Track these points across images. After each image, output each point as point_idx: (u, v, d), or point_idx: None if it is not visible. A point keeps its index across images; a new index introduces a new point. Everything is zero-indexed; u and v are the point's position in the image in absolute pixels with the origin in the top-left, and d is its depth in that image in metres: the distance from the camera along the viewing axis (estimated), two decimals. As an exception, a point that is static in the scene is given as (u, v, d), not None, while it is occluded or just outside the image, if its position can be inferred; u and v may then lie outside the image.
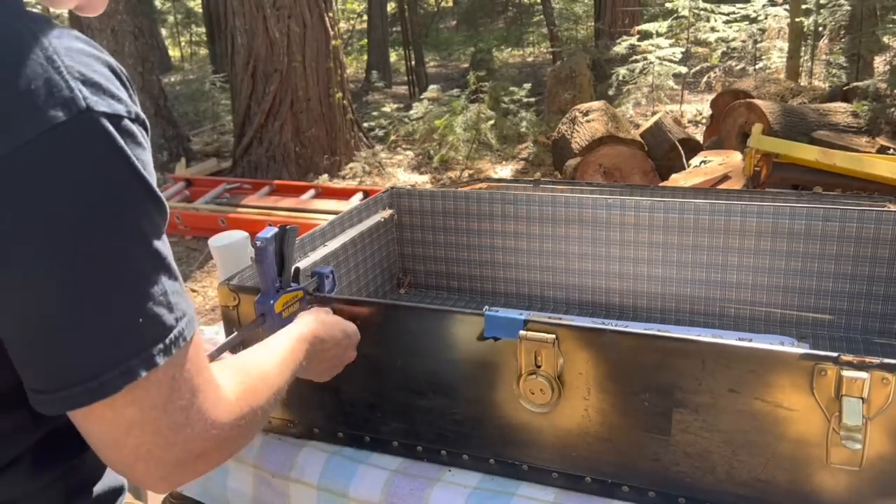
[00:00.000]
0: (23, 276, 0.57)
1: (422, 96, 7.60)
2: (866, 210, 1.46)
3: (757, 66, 7.99)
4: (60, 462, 0.71)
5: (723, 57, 8.08)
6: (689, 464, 0.98)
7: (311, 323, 0.99)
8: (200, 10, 13.78)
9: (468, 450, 1.11)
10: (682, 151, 5.03)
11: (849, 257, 1.49)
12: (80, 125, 0.57)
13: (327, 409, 1.20)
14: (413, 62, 10.49)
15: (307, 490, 1.17)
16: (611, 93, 7.16)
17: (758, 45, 8.04)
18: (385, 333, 1.11)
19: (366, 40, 12.96)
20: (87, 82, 0.58)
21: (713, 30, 7.33)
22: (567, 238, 1.69)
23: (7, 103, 0.56)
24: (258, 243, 1.05)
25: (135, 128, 0.61)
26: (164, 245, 0.63)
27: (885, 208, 1.50)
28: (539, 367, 1.01)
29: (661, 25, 7.23)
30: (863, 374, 0.86)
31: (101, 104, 0.58)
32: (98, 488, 0.76)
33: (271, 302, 1.06)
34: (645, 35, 7.19)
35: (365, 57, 12.80)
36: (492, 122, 6.54)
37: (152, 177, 0.63)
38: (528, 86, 7.38)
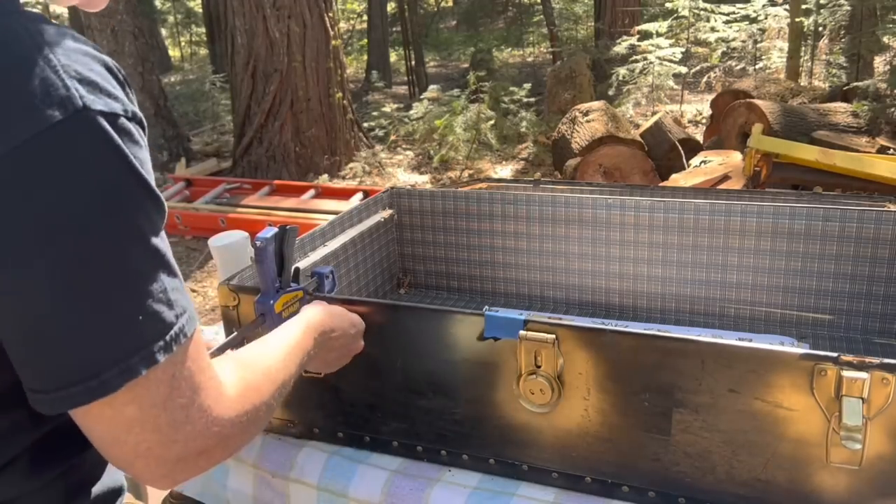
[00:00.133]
0: (21, 275, 0.57)
1: (422, 96, 7.60)
2: (866, 210, 1.46)
3: (757, 66, 7.99)
4: (59, 462, 0.71)
5: (723, 57, 8.08)
6: (689, 464, 0.98)
7: (318, 313, 0.99)
8: (200, 10, 13.78)
9: (468, 450, 1.11)
10: (682, 151, 5.03)
11: (849, 257, 1.49)
12: (77, 124, 0.57)
13: (327, 409, 1.19)
14: (413, 62, 10.49)
15: (307, 490, 1.17)
16: (611, 93, 7.16)
17: (758, 45, 8.04)
18: (385, 333, 1.11)
19: (366, 40, 12.96)
20: (84, 81, 0.58)
21: (713, 30, 7.33)
22: (567, 238, 1.69)
23: (3, 102, 0.56)
24: (258, 243, 1.05)
25: (132, 126, 0.61)
26: (162, 242, 0.63)
27: (885, 208, 1.50)
28: (539, 367, 1.01)
29: (661, 25, 7.23)
30: (863, 374, 0.86)
31: (97, 103, 0.58)
32: (97, 488, 0.76)
33: (271, 302, 1.06)
34: (645, 35, 7.19)
35: (365, 57, 12.80)
36: (492, 122, 6.54)
37: (150, 175, 0.63)
38: (528, 86, 7.38)
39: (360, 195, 5.19)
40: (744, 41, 7.91)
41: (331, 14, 6.62)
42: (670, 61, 6.78)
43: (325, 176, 6.32)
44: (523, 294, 1.78)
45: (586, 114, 5.26)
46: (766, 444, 0.93)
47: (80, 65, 0.59)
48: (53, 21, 0.64)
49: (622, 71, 7.06)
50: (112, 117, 0.59)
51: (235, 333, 1.04)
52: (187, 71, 13.52)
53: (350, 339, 1.06)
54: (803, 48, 7.24)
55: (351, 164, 6.51)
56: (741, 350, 0.92)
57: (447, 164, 6.52)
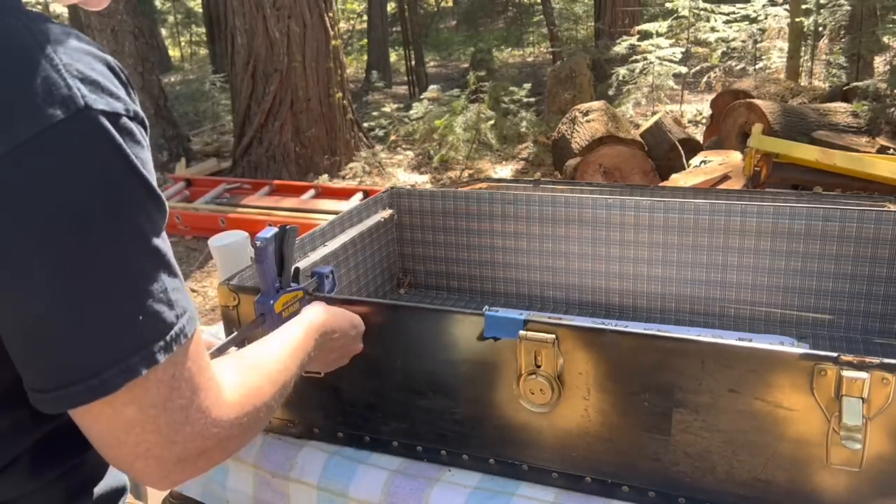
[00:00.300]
0: (22, 274, 0.57)
1: (422, 96, 7.60)
2: (866, 210, 1.46)
3: (757, 66, 7.99)
4: (60, 462, 0.71)
5: (723, 57, 8.08)
6: (689, 464, 0.98)
7: (320, 314, 0.99)
8: (200, 10, 13.78)
9: (468, 450, 1.11)
10: (682, 151, 5.03)
11: (849, 257, 1.49)
12: (79, 123, 0.57)
13: (327, 409, 1.20)
14: (413, 62, 10.49)
15: (307, 490, 1.17)
16: (611, 93, 7.16)
17: (758, 45, 8.04)
18: (385, 333, 1.11)
19: (366, 40, 12.96)
20: (86, 80, 0.58)
21: (713, 30, 7.34)
22: (567, 238, 1.69)
23: (5, 102, 0.56)
24: (258, 243, 1.05)
25: (133, 126, 0.61)
26: (163, 242, 0.63)
27: (885, 208, 1.50)
28: (539, 367, 1.01)
29: (661, 25, 7.23)
30: (863, 374, 0.86)
31: (99, 102, 0.58)
32: (99, 489, 0.76)
33: (271, 302, 1.06)
34: (645, 35, 7.19)
35: (365, 57, 12.80)
36: (492, 122, 6.54)
37: (151, 175, 0.63)
38: (528, 86, 7.38)
39: (360, 195, 5.19)
40: (744, 41, 7.91)
41: (331, 14, 6.62)
42: (670, 61, 6.79)
43: (325, 176, 6.32)
44: (523, 294, 1.78)
45: (586, 114, 5.26)
46: (766, 444, 0.93)
47: (82, 64, 0.59)
48: (55, 20, 0.64)
49: (622, 71, 7.06)
50: (114, 117, 0.59)
51: (235, 333, 1.04)
52: (187, 71, 13.52)
53: (350, 340, 1.06)
54: (803, 48, 7.24)
55: (351, 164, 6.51)
56: (741, 350, 0.92)
57: (447, 164, 6.52)
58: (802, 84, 6.45)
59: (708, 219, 1.55)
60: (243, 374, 0.73)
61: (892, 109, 4.82)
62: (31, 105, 0.56)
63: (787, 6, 7.22)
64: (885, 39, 7.02)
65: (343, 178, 6.40)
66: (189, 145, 7.54)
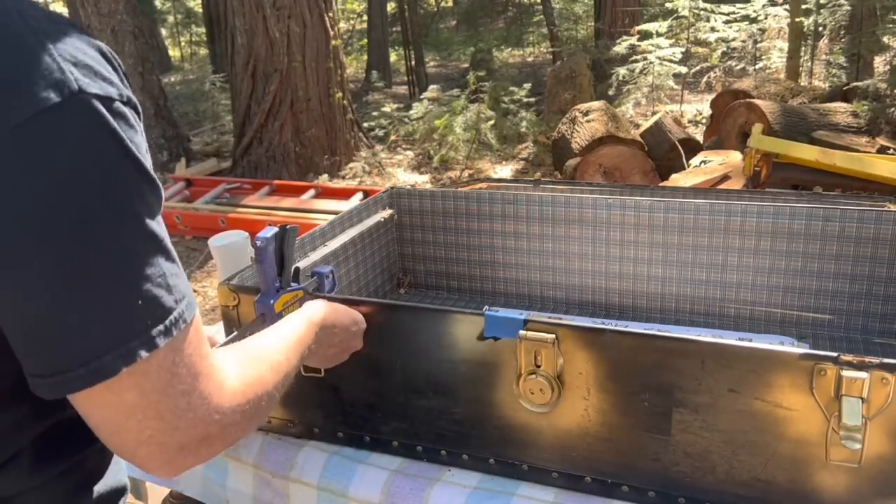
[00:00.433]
0: (18, 260, 0.57)
1: (422, 96, 7.60)
2: (866, 210, 1.46)
3: (757, 66, 7.99)
4: (61, 459, 0.71)
5: (723, 57, 8.08)
6: (689, 464, 0.98)
7: (321, 308, 0.99)
8: (200, 10, 13.78)
9: (468, 450, 1.11)
10: (682, 151, 5.03)
11: (849, 257, 1.49)
12: (73, 107, 0.57)
13: (327, 409, 1.20)
14: (413, 62, 10.49)
15: (307, 490, 1.17)
16: (611, 93, 7.16)
17: (758, 45, 8.04)
18: (385, 333, 1.11)
19: (366, 40, 12.96)
20: (79, 65, 0.58)
21: (713, 30, 7.33)
22: (567, 238, 1.69)
23: None
24: (258, 243, 1.05)
25: (127, 110, 0.61)
26: (159, 227, 0.63)
27: (885, 208, 1.50)
28: (539, 366, 1.01)
29: (661, 25, 7.23)
30: (862, 374, 0.86)
31: (93, 86, 0.58)
32: (100, 487, 0.76)
33: (271, 302, 1.06)
34: (645, 35, 7.19)
35: (365, 57, 12.80)
36: (492, 122, 6.54)
37: (146, 159, 0.62)
38: (528, 86, 7.38)
39: (360, 195, 5.18)
40: (744, 41, 7.91)
41: (331, 14, 6.62)
42: (670, 61, 6.78)
43: (325, 176, 6.32)
44: (523, 294, 1.78)
45: (586, 114, 5.26)
46: (766, 444, 0.93)
47: (75, 49, 0.59)
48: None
49: (622, 71, 7.06)
50: (107, 101, 0.59)
51: (235, 333, 1.04)
52: (187, 71, 13.52)
53: (350, 336, 1.06)
54: (803, 48, 7.24)
55: (351, 164, 6.51)
56: (741, 350, 0.92)
57: (447, 164, 6.52)
58: (802, 84, 6.45)
59: (708, 219, 1.55)
60: (245, 363, 0.73)
61: (892, 109, 4.82)
62: (23, 89, 0.56)
63: (787, 6, 7.22)
64: (885, 39, 7.02)
65: (343, 178, 6.40)
66: (189, 145, 7.54)
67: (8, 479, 0.67)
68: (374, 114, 7.77)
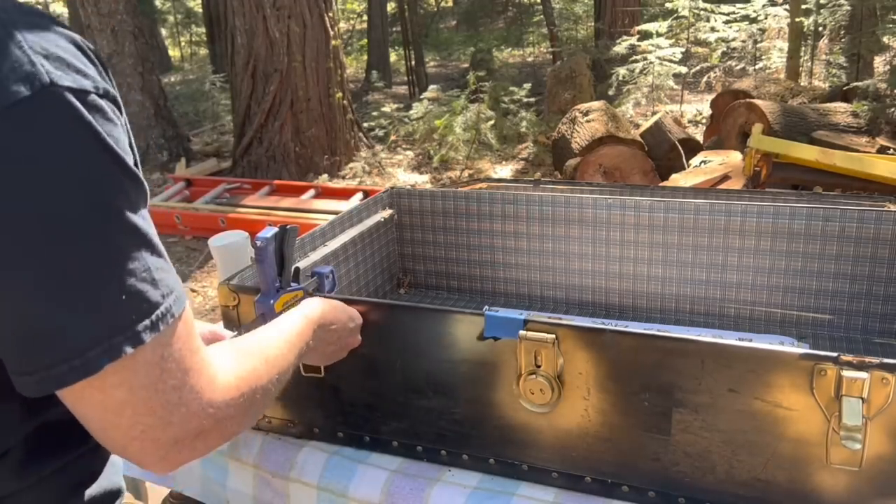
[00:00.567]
0: None
1: (422, 96, 7.60)
2: (866, 210, 1.46)
3: (757, 66, 7.99)
4: (52, 460, 0.70)
5: (723, 57, 8.08)
6: (689, 464, 0.98)
7: (318, 306, 0.99)
8: (200, 10, 13.78)
9: (468, 450, 1.11)
10: (682, 151, 5.03)
11: (849, 257, 1.49)
12: (44, 100, 0.56)
13: (327, 409, 1.20)
14: (413, 62, 10.49)
15: (307, 490, 1.17)
16: (611, 93, 7.16)
17: (758, 45, 8.04)
18: (385, 333, 1.11)
19: (366, 40, 12.96)
20: (51, 57, 0.57)
21: (713, 30, 7.33)
22: (567, 238, 1.69)
23: None
24: (258, 243, 1.05)
25: (104, 103, 0.60)
26: (143, 221, 0.61)
27: (885, 208, 1.50)
28: (539, 367, 1.01)
29: (661, 25, 7.23)
30: (863, 374, 0.86)
31: (65, 79, 0.57)
32: (94, 490, 0.75)
33: (271, 302, 1.06)
34: (645, 35, 7.19)
35: (365, 57, 12.80)
36: (492, 122, 6.54)
37: (127, 153, 0.61)
38: (528, 86, 7.38)
39: (360, 195, 5.18)
40: (744, 41, 7.91)
41: (331, 14, 6.62)
42: (670, 61, 6.78)
43: (325, 176, 6.32)
44: (523, 294, 1.78)
45: (586, 114, 5.26)
46: (766, 444, 0.93)
47: (46, 41, 0.58)
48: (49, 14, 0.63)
49: (622, 71, 7.06)
50: (81, 94, 0.58)
51: (235, 333, 1.04)
52: (187, 71, 13.52)
53: (348, 333, 1.05)
54: (803, 48, 7.24)
55: (351, 164, 6.51)
56: (741, 350, 0.92)
57: (447, 164, 6.52)
58: (802, 84, 6.45)
59: (708, 219, 1.55)
60: (238, 358, 0.72)
61: (892, 109, 4.82)
62: None
63: (787, 6, 7.22)
64: (885, 39, 7.02)
65: (343, 178, 6.40)
66: (189, 145, 7.54)
67: None
68: (374, 114, 7.77)
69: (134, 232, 0.60)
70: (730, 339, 0.97)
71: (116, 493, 0.79)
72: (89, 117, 0.58)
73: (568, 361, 1.00)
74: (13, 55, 0.56)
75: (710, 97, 6.59)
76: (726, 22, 7.42)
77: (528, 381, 1.02)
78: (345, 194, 5.33)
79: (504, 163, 6.56)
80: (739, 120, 4.81)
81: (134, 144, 0.65)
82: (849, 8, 6.60)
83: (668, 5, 7.53)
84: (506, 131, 6.75)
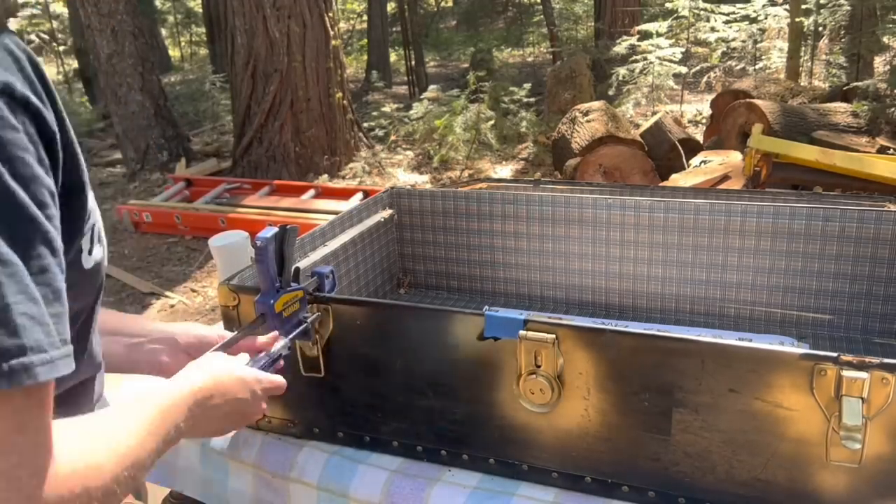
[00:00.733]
0: None
1: (422, 96, 7.60)
2: (866, 210, 1.46)
3: (757, 66, 7.98)
4: None
5: (723, 57, 8.08)
6: (689, 464, 0.98)
7: (199, 377, 0.85)
8: (200, 10, 13.78)
9: (468, 450, 1.11)
10: (682, 151, 5.03)
11: (849, 257, 1.49)
12: None
13: (327, 409, 1.20)
14: (413, 62, 10.49)
15: (307, 490, 1.17)
16: (611, 93, 7.16)
17: (758, 45, 8.03)
18: (385, 333, 1.11)
19: (366, 40, 12.96)
20: None
21: (713, 30, 7.33)
22: (567, 238, 1.69)
23: None
24: (258, 243, 1.05)
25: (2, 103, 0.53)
26: (18, 254, 0.52)
27: (885, 208, 1.50)
28: (539, 367, 1.01)
29: (661, 25, 7.22)
30: (863, 374, 0.86)
31: None
32: None
33: (271, 302, 1.06)
34: (645, 35, 7.19)
35: (365, 57, 12.80)
36: (492, 122, 6.54)
37: (24, 164, 0.53)
38: (528, 86, 7.38)
39: (360, 195, 5.19)
40: (744, 41, 7.90)
41: (331, 14, 6.62)
42: (670, 61, 6.78)
43: (325, 176, 6.32)
44: (523, 294, 1.78)
45: (586, 114, 5.26)
46: (766, 444, 0.93)
47: None
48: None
49: (622, 71, 7.06)
50: None
51: (235, 333, 1.04)
52: (187, 71, 13.52)
53: (243, 406, 0.91)
54: (803, 48, 7.24)
55: (351, 164, 6.51)
56: (741, 350, 0.92)
57: (447, 164, 6.52)
58: (802, 84, 6.45)
59: (708, 219, 1.55)
60: (83, 447, 0.61)
61: (892, 109, 4.82)
62: None
63: (787, 6, 7.22)
64: (885, 39, 7.02)
65: (343, 178, 6.39)
66: (189, 145, 7.54)
67: None
68: (374, 114, 7.77)
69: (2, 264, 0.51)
70: (730, 339, 0.97)
71: None
72: None
73: (568, 361, 1.00)
74: None
75: (710, 97, 6.59)
76: (726, 22, 7.42)
77: (528, 381, 1.02)
78: (345, 194, 5.33)
79: (504, 163, 6.56)
80: (739, 120, 4.81)
81: (75, 156, 0.59)
82: (849, 8, 6.60)
83: (668, 5, 7.53)
84: (506, 131, 6.75)
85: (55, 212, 0.57)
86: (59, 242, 0.56)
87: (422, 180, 6.29)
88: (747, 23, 7.78)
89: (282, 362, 1.04)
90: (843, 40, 7.15)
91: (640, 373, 0.97)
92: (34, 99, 0.56)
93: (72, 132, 0.63)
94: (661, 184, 4.47)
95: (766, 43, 8.03)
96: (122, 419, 0.69)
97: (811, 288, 1.53)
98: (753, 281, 1.56)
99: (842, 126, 4.56)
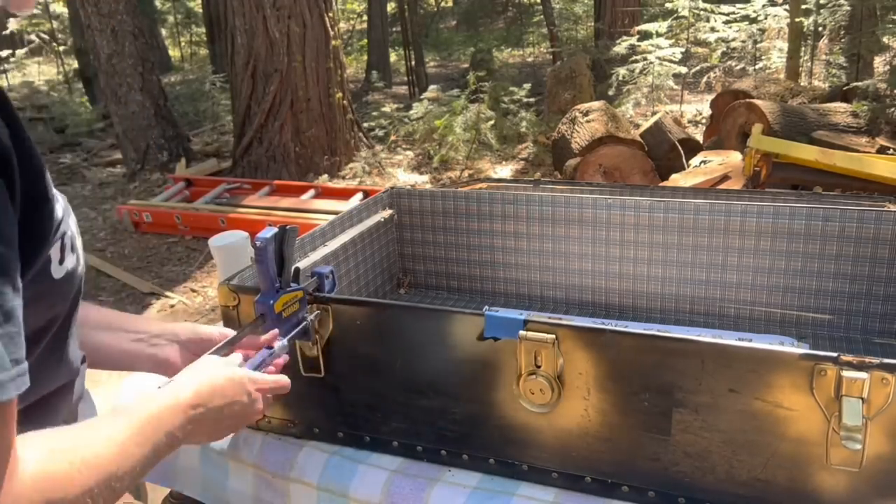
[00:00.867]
0: None
1: (422, 96, 7.60)
2: (866, 210, 1.46)
3: (757, 66, 7.99)
4: None
5: (723, 57, 8.08)
6: (689, 464, 0.98)
7: (192, 384, 0.84)
8: (200, 10, 13.78)
9: (468, 450, 1.11)
10: (682, 151, 5.03)
11: (849, 257, 1.49)
12: None
13: (327, 409, 1.20)
14: (413, 62, 10.49)
15: (307, 490, 1.17)
16: (611, 93, 7.16)
17: (758, 45, 8.03)
18: (385, 333, 1.11)
19: (366, 40, 12.96)
20: None
21: (713, 30, 7.33)
22: (567, 238, 1.69)
23: None
24: (258, 243, 1.05)
25: None
26: None
27: (885, 208, 1.50)
28: (539, 367, 1.01)
29: (661, 25, 7.22)
30: (863, 375, 0.86)
31: None
32: None
33: (271, 302, 1.06)
34: (645, 35, 7.19)
35: (365, 57, 12.80)
36: (492, 122, 6.53)
37: None
38: (528, 86, 7.38)
39: (360, 195, 5.18)
40: (744, 41, 7.90)
41: (331, 14, 6.62)
42: (670, 61, 6.78)
43: (325, 176, 6.32)
44: (523, 294, 1.78)
45: (586, 114, 5.26)
46: (766, 444, 0.93)
47: None
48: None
49: (622, 71, 7.06)
50: None
51: (236, 333, 1.04)
52: (187, 71, 13.52)
53: (239, 407, 0.90)
54: (803, 48, 7.24)
55: (351, 164, 6.51)
56: (741, 350, 0.92)
57: (447, 164, 6.52)
58: (802, 84, 6.45)
59: (708, 219, 1.55)
60: (48, 459, 0.60)
61: (892, 109, 4.82)
62: None
63: (786, 6, 7.22)
64: (885, 39, 7.02)
65: (343, 178, 6.39)
66: (189, 145, 7.54)
67: None
68: (374, 114, 7.77)
69: None
70: (730, 339, 0.97)
71: None
72: None
73: (568, 361, 1.00)
74: None
75: (710, 97, 6.59)
76: (726, 22, 7.42)
77: (528, 381, 1.02)
78: (345, 194, 5.33)
79: (504, 163, 6.56)
80: (739, 120, 4.81)
81: (36, 168, 0.59)
82: (849, 8, 6.60)
83: (668, 5, 7.53)
84: (506, 131, 6.74)
85: (9, 230, 0.57)
86: (10, 261, 0.56)
87: (422, 180, 6.29)
88: (747, 23, 7.78)
89: (284, 360, 1.04)
90: (842, 40, 7.15)
91: (640, 373, 0.97)
92: None
93: (31, 143, 0.63)
94: (661, 184, 4.47)
95: (765, 43, 8.03)
96: (104, 429, 0.69)
97: (811, 288, 1.53)
98: (753, 281, 1.56)
99: (842, 126, 4.56)
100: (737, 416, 0.94)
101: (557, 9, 11.11)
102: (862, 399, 0.86)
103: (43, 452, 0.60)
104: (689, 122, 7.11)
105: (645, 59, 6.91)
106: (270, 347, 1.03)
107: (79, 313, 0.79)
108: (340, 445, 1.20)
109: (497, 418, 1.08)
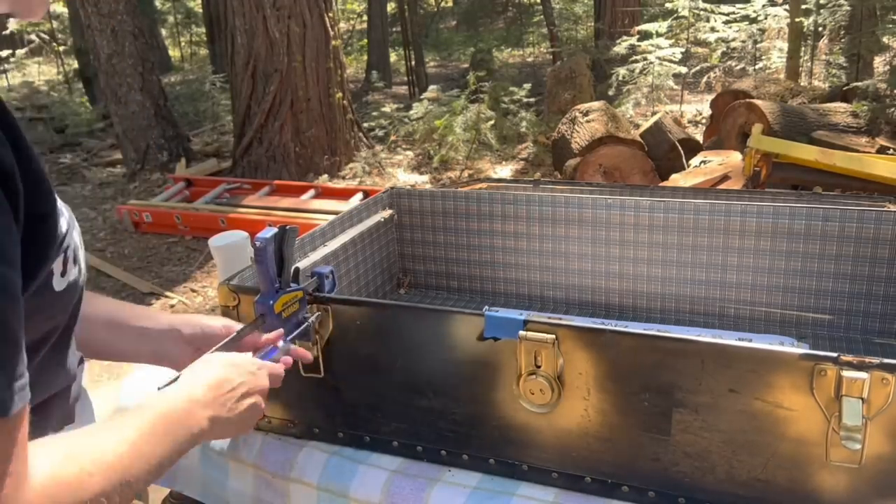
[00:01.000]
0: None
1: (422, 96, 7.60)
2: (866, 210, 1.46)
3: (757, 66, 7.98)
4: None
5: (723, 57, 8.08)
6: (689, 464, 0.98)
7: (202, 382, 0.84)
8: (200, 10, 13.78)
9: (468, 450, 1.11)
10: (681, 151, 5.03)
11: (849, 257, 1.49)
12: None
13: (327, 409, 1.20)
14: (413, 62, 10.48)
15: (307, 490, 1.17)
16: (611, 93, 7.16)
17: (758, 45, 8.03)
18: (385, 333, 1.11)
19: (366, 40, 12.96)
20: None
21: (713, 30, 7.33)
22: (567, 238, 1.69)
23: None
24: (258, 243, 1.05)
25: None
26: None
27: (885, 208, 1.50)
28: (539, 367, 1.01)
29: (661, 25, 7.22)
30: (863, 375, 0.86)
31: None
32: None
33: (271, 302, 1.06)
34: (645, 35, 7.18)
35: (365, 57, 12.80)
36: (492, 122, 6.53)
37: None
38: (528, 86, 7.37)
39: (360, 195, 5.18)
40: (744, 41, 7.90)
41: (331, 14, 6.61)
42: (670, 61, 6.78)
43: (325, 176, 6.32)
44: (523, 294, 1.78)
45: (586, 114, 5.26)
46: (766, 444, 0.93)
47: None
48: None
49: (622, 71, 7.05)
50: None
51: (236, 333, 1.04)
52: (187, 71, 13.51)
53: (255, 380, 0.91)
54: (803, 48, 7.24)
55: (351, 165, 6.50)
56: (741, 350, 0.92)
57: (447, 164, 6.52)
58: (802, 84, 6.45)
59: (708, 219, 1.55)
60: (60, 464, 0.61)
61: (892, 109, 4.82)
62: None
63: (786, 6, 7.22)
64: (885, 39, 7.02)
65: (343, 178, 6.39)
66: (189, 145, 7.54)
67: None
68: (374, 114, 7.77)
69: None
70: (730, 339, 0.97)
71: None
72: None
73: (568, 362, 1.00)
74: None
75: (709, 97, 6.59)
76: (726, 22, 7.42)
77: (528, 381, 1.02)
78: (345, 194, 5.33)
79: (504, 163, 6.56)
80: (739, 120, 4.81)
81: (40, 184, 0.60)
82: (849, 8, 6.60)
83: (668, 5, 7.53)
84: (506, 131, 6.74)
85: (12, 249, 0.58)
86: (11, 280, 0.57)
87: (422, 180, 6.29)
88: (747, 23, 7.78)
89: (291, 359, 1.04)
90: (842, 40, 7.15)
91: (640, 373, 0.97)
92: None
93: (36, 159, 0.63)
94: (661, 184, 4.47)
95: (765, 43, 8.03)
96: (116, 430, 0.69)
97: (811, 288, 1.53)
98: (753, 281, 1.56)
99: (842, 126, 4.56)
100: (737, 416, 0.94)
101: (557, 9, 11.11)
102: (862, 399, 0.86)
103: (57, 457, 0.61)
104: (689, 122, 7.11)
105: (645, 59, 6.91)
106: (275, 348, 1.03)
107: (82, 305, 0.79)
108: (340, 445, 1.20)
109: (497, 418, 1.08)
